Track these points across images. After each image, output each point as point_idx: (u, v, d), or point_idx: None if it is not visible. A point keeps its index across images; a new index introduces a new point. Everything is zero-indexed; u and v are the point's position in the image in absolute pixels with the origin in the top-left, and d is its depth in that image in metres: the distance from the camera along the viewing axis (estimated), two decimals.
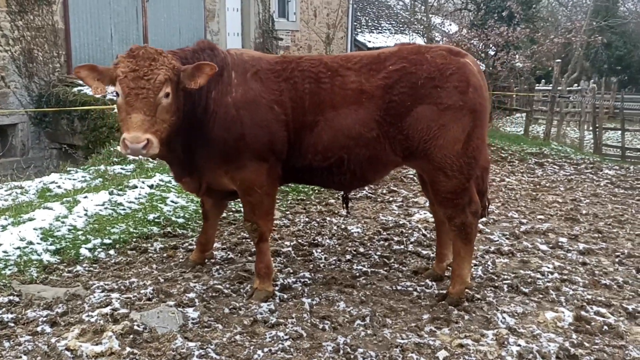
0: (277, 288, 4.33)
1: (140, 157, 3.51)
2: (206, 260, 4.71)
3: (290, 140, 4.00)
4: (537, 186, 8.43)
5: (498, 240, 5.71)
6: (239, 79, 3.95)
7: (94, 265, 4.52)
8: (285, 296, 4.24)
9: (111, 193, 5.89)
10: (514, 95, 21.20)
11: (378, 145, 4.03)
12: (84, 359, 3.27)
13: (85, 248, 4.68)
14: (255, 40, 19.03)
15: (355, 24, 23.93)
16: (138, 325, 3.59)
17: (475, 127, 4.01)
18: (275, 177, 4.12)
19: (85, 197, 5.74)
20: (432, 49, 4.10)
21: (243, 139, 3.90)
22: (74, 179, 7.19)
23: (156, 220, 5.48)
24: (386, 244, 5.44)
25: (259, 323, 3.83)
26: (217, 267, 4.67)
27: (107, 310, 3.74)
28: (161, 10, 15.76)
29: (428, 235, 5.70)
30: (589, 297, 4.45)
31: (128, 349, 3.35)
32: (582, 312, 4.14)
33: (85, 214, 5.34)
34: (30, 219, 5.04)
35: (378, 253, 5.18)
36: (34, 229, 4.85)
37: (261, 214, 4.15)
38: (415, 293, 4.43)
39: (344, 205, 4.75)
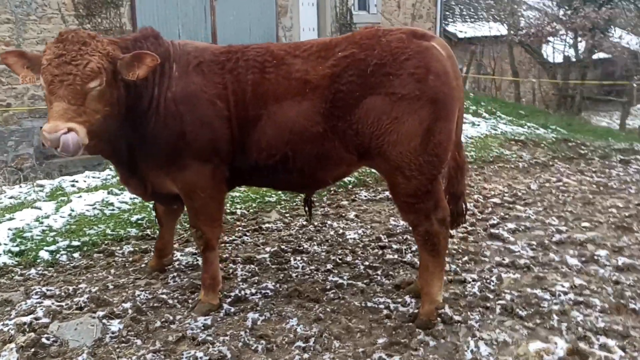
0: (229, 300, 3.91)
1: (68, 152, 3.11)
2: (166, 267, 4.38)
3: (235, 137, 3.55)
4: (600, 188, 7.30)
5: (518, 252, 4.88)
6: (180, 72, 3.54)
7: (49, 268, 4.34)
8: (233, 310, 3.80)
9: (109, 192, 5.75)
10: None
11: (326, 141, 3.48)
12: None
13: (47, 250, 4.51)
14: (332, 35, 18.68)
15: (448, 13, 22.81)
16: (48, 338, 3.32)
17: (438, 119, 3.34)
18: (220, 180, 3.68)
19: (80, 196, 5.64)
20: (391, 32, 3.48)
21: (183, 137, 3.49)
22: (98, 177, 7.18)
23: (139, 222, 5.25)
24: (380, 252, 4.83)
25: (185, 340, 3.43)
26: (176, 274, 4.32)
27: (27, 319, 3.51)
28: (230, 8, 15.74)
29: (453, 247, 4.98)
30: (602, 325, 3.61)
31: None
32: (581, 345, 3.35)
33: (70, 215, 5.22)
34: (10, 219, 4.98)
35: (366, 263, 4.59)
36: (8, 229, 4.78)
37: (206, 220, 3.73)
38: (385, 311, 3.81)
39: (306, 210, 4.22)
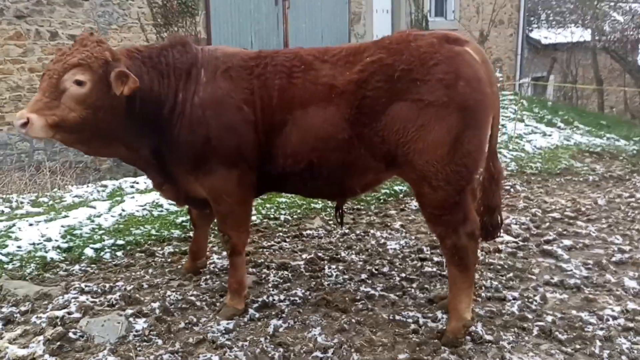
0: (256, 305, 3.89)
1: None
2: (201, 269, 4.43)
3: (261, 143, 3.53)
4: None
5: (571, 271, 4.56)
6: (208, 77, 3.56)
7: (92, 265, 4.50)
8: (257, 315, 3.78)
9: (160, 195, 5.91)
10: None
11: (351, 148, 3.39)
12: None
13: (92, 248, 4.69)
14: None
15: (532, 19, 21.98)
16: (75, 333, 3.43)
17: (467, 128, 3.18)
18: (247, 185, 3.67)
19: (132, 197, 5.84)
20: (422, 36, 3.35)
21: (209, 142, 3.51)
22: None
23: (183, 224, 5.35)
24: (419, 264, 4.66)
25: (205, 343, 3.44)
26: (209, 276, 4.36)
27: (60, 313, 3.65)
28: (302, 16, 15.90)
29: (484, 259, 4.75)
30: None
31: (47, 357, 3.20)
32: None
33: (120, 214, 5.42)
34: (65, 217, 5.23)
35: (403, 274, 4.44)
36: (61, 226, 5.02)
37: (233, 225, 3.74)
38: (412, 326, 3.67)
39: (337, 219, 4.13)
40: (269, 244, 5.04)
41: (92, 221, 5.22)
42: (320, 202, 6.12)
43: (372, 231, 5.44)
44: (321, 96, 3.39)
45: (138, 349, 3.34)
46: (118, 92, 3.27)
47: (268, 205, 5.95)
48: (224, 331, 3.56)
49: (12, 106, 11.32)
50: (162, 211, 5.64)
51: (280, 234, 5.31)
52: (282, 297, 4.05)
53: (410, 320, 3.75)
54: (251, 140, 3.51)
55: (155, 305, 3.81)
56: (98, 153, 3.95)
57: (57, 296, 3.93)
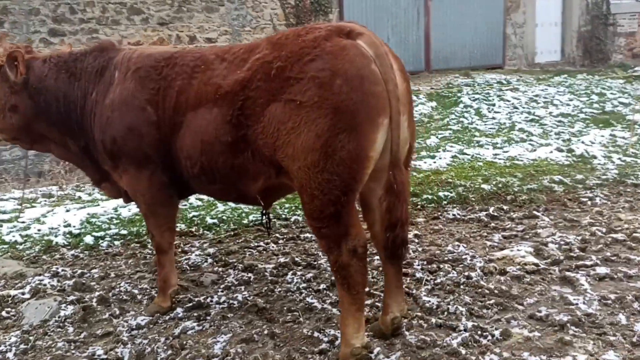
0: (189, 305, 3.84)
1: None
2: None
3: (164, 144, 3.48)
4: None
5: (576, 305, 3.68)
6: (119, 79, 3.62)
7: (85, 252, 4.84)
8: (180, 315, 3.73)
9: None
10: None
11: (238, 152, 3.15)
12: None
13: (93, 236, 5.03)
14: (580, 29, 16.59)
15: None
16: (8, 312, 3.76)
17: (341, 132, 2.76)
18: (160, 186, 3.63)
19: None
20: (314, 29, 2.99)
21: (115, 142, 3.58)
22: None
23: (193, 219, 5.48)
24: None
25: (110, 336, 3.51)
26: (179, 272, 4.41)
27: (14, 292, 4.00)
28: (447, 7, 15.13)
29: (475, 279, 4.09)
30: None
31: None
32: None
33: None
34: (96, 205, 5.69)
35: (367, 289, 4.01)
36: (87, 214, 5.47)
37: (154, 224, 3.76)
38: (324, 345, 3.30)
39: (264, 224, 3.87)
40: (257, 244, 4.93)
41: (116, 211, 5.60)
42: None
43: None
44: (209, 97, 3.23)
45: (46, 333, 3.51)
46: (19, 75, 3.63)
47: (287, 206, 5.82)
48: (134, 327, 3.58)
49: None
50: (184, 205, 5.83)
51: (278, 235, 5.15)
52: (222, 299, 3.93)
53: (326, 338, 3.37)
54: (155, 141, 3.47)
55: (97, 294, 3.96)
56: (33, 148, 4.21)
57: (30, 277, 4.30)
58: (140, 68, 3.53)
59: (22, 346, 3.34)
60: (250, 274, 4.32)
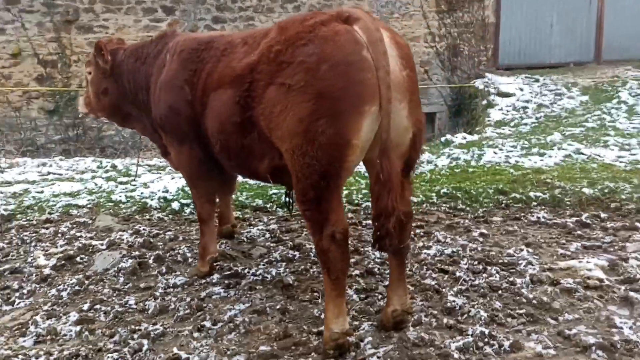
0: (227, 273, 4.13)
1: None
2: (233, 234, 4.81)
3: (198, 121, 3.76)
4: None
5: (620, 328, 3.28)
6: (168, 62, 3.98)
7: (170, 215, 5.39)
8: (214, 280, 4.01)
9: None
10: None
11: (246, 132, 3.31)
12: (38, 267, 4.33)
13: (180, 203, 5.56)
14: None
15: None
16: (82, 258, 4.37)
17: (322, 117, 2.78)
18: (199, 161, 3.94)
19: None
20: (318, 14, 3.03)
21: (162, 119, 3.97)
22: None
23: (272, 195, 5.78)
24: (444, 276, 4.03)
25: (149, 290, 3.90)
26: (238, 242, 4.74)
27: (95, 242, 4.65)
28: None
29: (518, 285, 3.81)
30: None
31: (49, 269, 4.19)
32: None
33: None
34: None
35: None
36: (184, 183, 6.06)
37: (196, 195, 4.15)
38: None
39: (287, 204, 3.98)
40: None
41: None
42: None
43: (431, 231, 4.84)
44: (226, 80, 3.43)
45: (101, 280, 4.05)
46: (106, 63, 4.19)
47: (365, 192, 5.85)
48: (171, 285, 3.95)
49: None
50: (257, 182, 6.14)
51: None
52: (259, 272, 4.14)
53: None
54: (190, 119, 3.77)
55: (156, 253, 4.44)
56: (124, 125, 4.84)
57: (115, 231, 4.94)
58: (184, 51, 3.86)
59: (76, 288, 3.89)
60: (296, 252, 4.48)
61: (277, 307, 3.61)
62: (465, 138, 8.37)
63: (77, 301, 3.74)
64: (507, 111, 10.56)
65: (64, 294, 3.83)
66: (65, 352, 3.11)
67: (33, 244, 4.78)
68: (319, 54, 2.81)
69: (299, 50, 2.88)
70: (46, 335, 3.32)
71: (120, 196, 5.90)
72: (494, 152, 7.13)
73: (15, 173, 7.60)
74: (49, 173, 7.57)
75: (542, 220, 5.12)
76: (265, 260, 4.36)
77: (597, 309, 3.54)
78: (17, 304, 3.73)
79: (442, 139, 8.31)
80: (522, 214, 5.27)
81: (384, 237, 2.96)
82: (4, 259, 4.48)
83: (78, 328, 3.38)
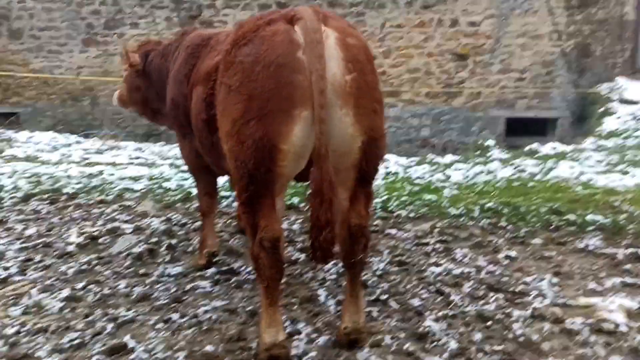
0: (226, 268, 4.20)
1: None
2: None
3: (189, 115, 3.82)
4: None
5: None
6: (178, 56, 4.12)
7: None
8: (210, 273, 4.08)
9: None
10: None
11: (213, 130, 3.29)
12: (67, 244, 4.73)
13: (220, 195, 5.72)
14: None
15: None
16: (105, 240, 4.70)
17: (251, 119, 2.68)
18: (196, 153, 4.00)
19: None
20: (274, 12, 2.92)
21: (169, 112, 4.17)
22: None
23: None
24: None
25: (148, 277, 4.06)
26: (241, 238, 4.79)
27: (124, 225, 4.96)
28: None
29: (513, 319, 3.41)
30: None
31: (73, 247, 4.56)
32: None
33: None
34: None
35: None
36: None
37: (197, 188, 4.30)
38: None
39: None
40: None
41: None
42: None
43: (455, 248, 4.49)
44: (200, 77, 3.52)
45: (109, 262, 4.30)
46: (134, 65, 4.46)
47: (404, 199, 5.58)
48: (166, 274, 4.07)
49: (408, 86, 12.99)
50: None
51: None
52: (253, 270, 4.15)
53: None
54: (186, 112, 3.85)
55: (169, 241, 4.62)
56: (154, 121, 5.04)
57: (148, 217, 5.22)
58: (189, 46, 3.97)
59: (84, 267, 4.19)
60: (302, 255, 4.41)
61: (249, 308, 3.58)
62: (555, 148, 7.62)
63: (76, 279, 4.01)
64: (625, 121, 9.46)
65: (71, 271, 4.13)
66: (37, 325, 3.36)
67: (78, 222, 5.21)
68: (255, 55, 2.72)
69: (240, 50, 2.82)
70: (32, 307, 3.60)
71: (172, 184, 6.22)
72: (570, 166, 6.41)
73: (110, 155, 8.34)
74: (137, 157, 8.18)
75: (590, 248, 4.52)
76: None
77: (594, 358, 3.07)
78: (28, 276, 4.09)
79: (526, 148, 7.64)
80: (569, 239, 4.70)
81: (317, 249, 2.81)
82: (46, 233, 4.93)
83: (63, 304, 3.63)
